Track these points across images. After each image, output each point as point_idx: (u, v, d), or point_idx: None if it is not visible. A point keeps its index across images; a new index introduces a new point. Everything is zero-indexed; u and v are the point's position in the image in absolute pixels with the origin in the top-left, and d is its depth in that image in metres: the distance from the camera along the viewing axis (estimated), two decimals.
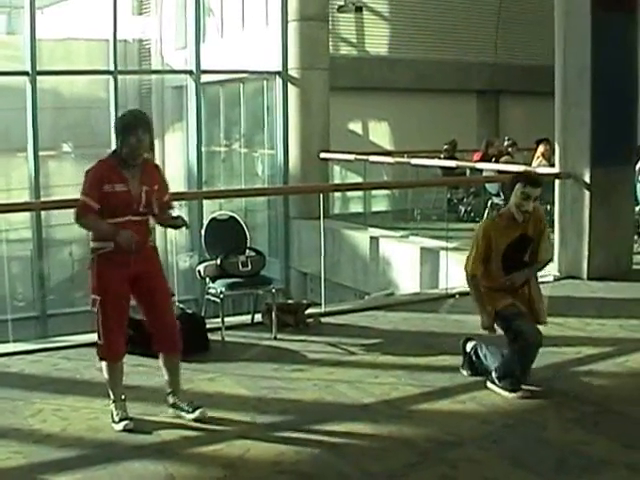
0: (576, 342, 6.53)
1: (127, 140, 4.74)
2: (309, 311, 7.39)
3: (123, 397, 4.89)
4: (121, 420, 4.75)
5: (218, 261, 6.92)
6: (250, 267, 6.98)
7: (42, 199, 12.87)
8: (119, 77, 14.25)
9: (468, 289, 5.54)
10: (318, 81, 15.15)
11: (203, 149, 15.28)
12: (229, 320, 7.02)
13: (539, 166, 11.61)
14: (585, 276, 8.91)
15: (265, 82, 16.11)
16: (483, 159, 13.42)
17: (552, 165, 10.11)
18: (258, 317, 7.22)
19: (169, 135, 17.38)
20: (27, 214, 12.75)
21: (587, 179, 8.86)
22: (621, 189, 9.06)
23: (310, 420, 4.93)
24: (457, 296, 8.16)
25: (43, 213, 12.85)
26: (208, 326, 6.65)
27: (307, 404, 5.25)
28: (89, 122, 16.87)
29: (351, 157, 14.57)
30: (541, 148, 12.41)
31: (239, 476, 4.21)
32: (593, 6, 8.57)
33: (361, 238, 12.99)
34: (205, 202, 13.42)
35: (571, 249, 9.04)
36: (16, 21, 16.92)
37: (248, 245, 7.27)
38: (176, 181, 14.83)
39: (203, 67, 14.74)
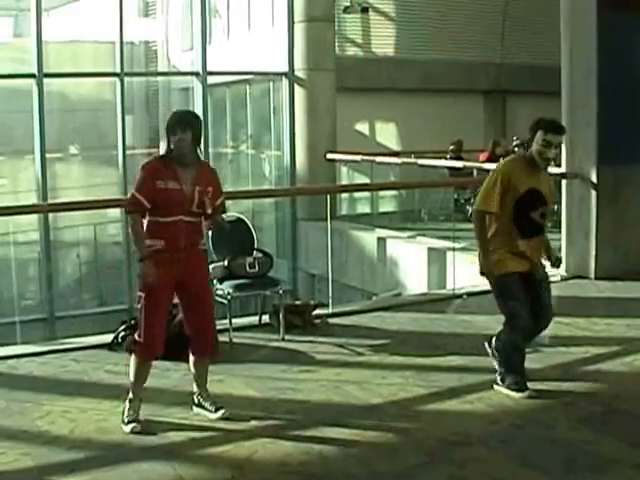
0: (584, 342, 6.53)
1: (170, 139, 4.83)
2: (317, 312, 7.40)
3: (140, 398, 4.92)
4: (130, 422, 4.77)
5: (225, 263, 6.92)
6: (257, 268, 6.98)
7: (49, 201, 12.92)
8: (126, 79, 14.23)
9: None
10: (325, 82, 15.15)
11: (210, 150, 15.27)
12: (237, 321, 7.01)
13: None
14: (592, 276, 8.91)
15: (271, 83, 16.12)
16: (490, 159, 13.40)
17: (559, 165, 10.09)
18: (266, 318, 7.22)
19: None
20: (35, 216, 12.77)
21: (594, 179, 8.85)
22: (628, 189, 9.04)
23: (318, 421, 4.93)
24: (465, 296, 8.17)
25: (50, 215, 12.88)
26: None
27: (315, 405, 5.25)
28: (96, 124, 16.89)
29: (358, 158, 14.57)
30: None
31: (247, 477, 4.21)
32: (599, 7, 8.57)
33: (368, 239, 12.98)
34: None
35: (578, 249, 9.03)
36: (22, 24, 16.93)
37: (255, 246, 7.27)
38: None
39: (209, 69, 14.71)
